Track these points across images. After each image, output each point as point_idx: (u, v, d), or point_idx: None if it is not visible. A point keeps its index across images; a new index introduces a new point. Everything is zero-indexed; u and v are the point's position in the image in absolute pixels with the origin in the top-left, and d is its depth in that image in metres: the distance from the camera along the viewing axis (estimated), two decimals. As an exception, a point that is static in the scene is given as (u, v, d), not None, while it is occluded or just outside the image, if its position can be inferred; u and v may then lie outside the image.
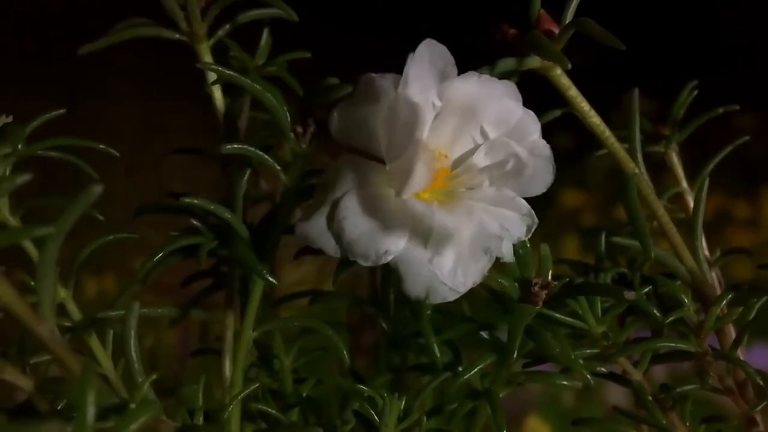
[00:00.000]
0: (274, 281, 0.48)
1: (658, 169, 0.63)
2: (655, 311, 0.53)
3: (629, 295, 0.49)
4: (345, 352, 0.52)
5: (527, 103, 0.47)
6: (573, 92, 0.50)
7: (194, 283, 0.59)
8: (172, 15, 0.58)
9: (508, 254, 0.46)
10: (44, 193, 0.54)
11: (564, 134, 0.61)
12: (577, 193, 2.34)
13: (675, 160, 0.61)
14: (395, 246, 0.43)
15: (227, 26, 0.60)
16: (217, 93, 0.59)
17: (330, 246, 0.44)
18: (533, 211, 0.46)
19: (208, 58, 0.59)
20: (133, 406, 0.37)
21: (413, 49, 0.44)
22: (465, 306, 0.60)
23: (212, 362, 0.69)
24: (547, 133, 0.49)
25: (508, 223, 0.45)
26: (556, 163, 0.47)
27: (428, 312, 0.51)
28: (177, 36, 0.58)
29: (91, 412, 0.31)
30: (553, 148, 0.48)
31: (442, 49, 0.45)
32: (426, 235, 0.44)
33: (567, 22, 0.48)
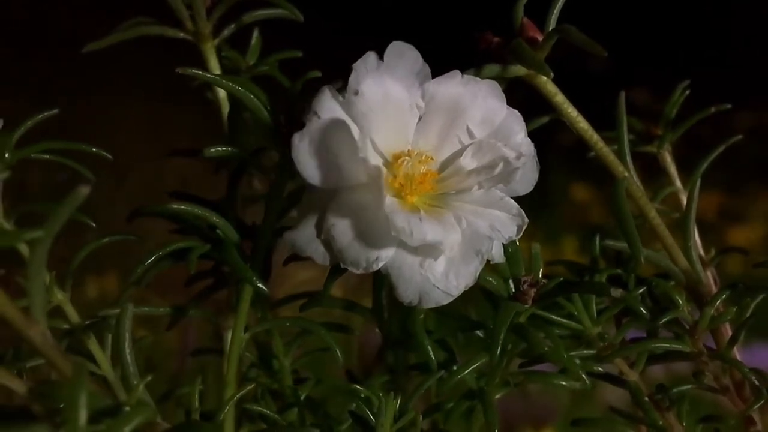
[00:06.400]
0: (262, 287, 0.48)
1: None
2: (642, 310, 0.53)
3: (615, 292, 0.49)
4: (338, 352, 0.52)
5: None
6: (560, 98, 0.49)
7: (198, 282, 0.60)
8: (177, 14, 0.59)
9: (498, 255, 0.46)
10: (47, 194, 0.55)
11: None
12: (587, 188, 2.33)
13: (668, 159, 0.61)
14: (385, 253, 0.43)
15: (233, 26, 0.61)
16: (221, 94, 0.60)
17: (319, 254, 0.44)
18: (522, 211, 0.46)
19: (212, 56, 0.59)
20: (127, 408, 0.37)
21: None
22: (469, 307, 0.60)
23: (213, 361, 0.70)
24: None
25: (498, 224, 0.45)
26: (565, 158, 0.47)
27: (420, 316, 0.51)
28: (182, 35, 0.59)
29: (83, 415, 0.31)
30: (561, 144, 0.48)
31: (412, 51, 0.45)
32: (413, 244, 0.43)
33: (550, 29, 0.48)
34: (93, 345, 0.49)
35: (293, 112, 0.46)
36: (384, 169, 0.43)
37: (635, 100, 0.62)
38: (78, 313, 0.52)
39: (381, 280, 0.53)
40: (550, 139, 0.59)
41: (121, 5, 0.64)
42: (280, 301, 0.61)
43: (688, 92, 0.61)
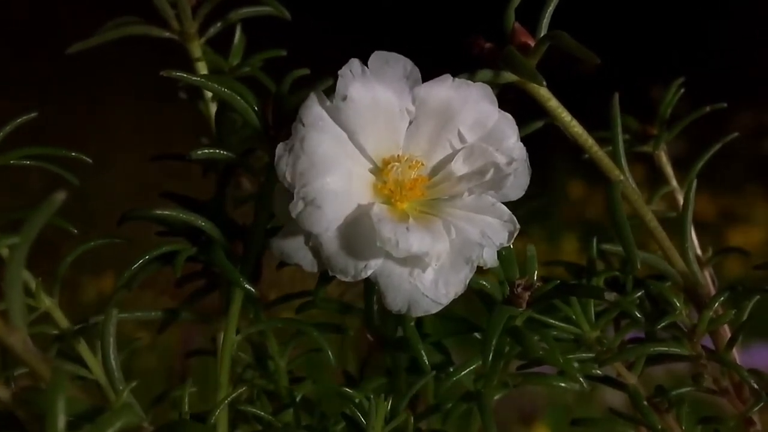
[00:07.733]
0: (251, 289, 0.48)
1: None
2: (638, 314, 0.52)
3: (609, 296, 0.48)
4: (330, 354, 0.52)
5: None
6: (553, 103, 0.49)
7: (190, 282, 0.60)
8: (162, 13, 0.58)
9: (491, 260, 0.46)
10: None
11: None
12: (586, 185, 2.31)
13: (664, 159, 0.61)
14: (374, 261, 0.43)
15: (219, 24, 0.60)
16: (207, 94, 0.60)
17: (307, 261, 0.43)
18: (514, 217, 0.45)
19: (198, 56, 0.59)
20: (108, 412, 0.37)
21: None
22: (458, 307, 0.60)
23: (213, 362, 0.69)
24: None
25: (489, 230, 0.44)
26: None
27: (411, 323, 0.50)
28: (167, 34, 0.59)
29: (61, 420, 0.31)
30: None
31: (397, 56, 0.45)
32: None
33: (542, 35, 0.47)
34: (84, 350, 0.49)
35: (281, 113, 0.45)
36: (372, 177, 0.43)
37: (657, 96, 0.61)
38: (74, 316, 0.52)
39: (372, 286, 0.53)
40: (549, 134, 0.59)
41: (121, 6, 0.64)
42: (274, 301, 0.61)
43: (683, 90, 0.60)
